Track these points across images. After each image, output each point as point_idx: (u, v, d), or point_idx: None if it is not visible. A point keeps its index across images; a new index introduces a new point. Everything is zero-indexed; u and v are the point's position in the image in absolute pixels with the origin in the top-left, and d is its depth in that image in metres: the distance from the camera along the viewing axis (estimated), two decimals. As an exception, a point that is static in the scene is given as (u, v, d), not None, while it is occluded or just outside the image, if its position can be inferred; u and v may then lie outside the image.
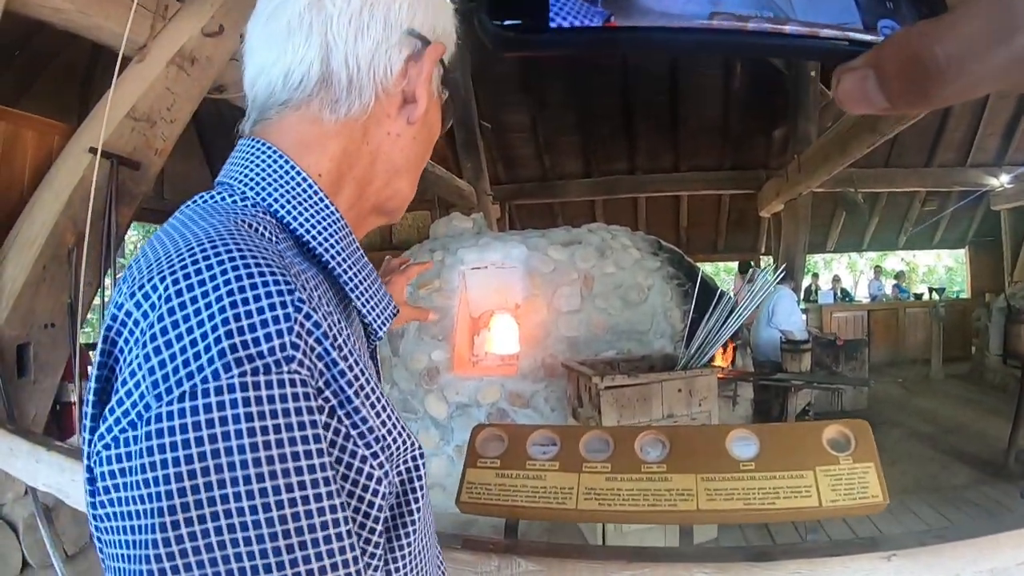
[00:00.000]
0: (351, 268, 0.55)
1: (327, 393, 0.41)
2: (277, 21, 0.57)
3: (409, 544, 0.48)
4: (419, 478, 0.49)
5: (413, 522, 0.48)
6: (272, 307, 0.39)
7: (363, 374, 0.44)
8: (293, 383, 0.39)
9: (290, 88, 0.57)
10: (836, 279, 11.93)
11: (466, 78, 7.20)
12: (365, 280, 0.56)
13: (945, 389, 7.44)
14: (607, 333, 4.54)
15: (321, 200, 0.55)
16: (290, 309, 0.40)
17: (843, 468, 1.41)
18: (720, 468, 1.44)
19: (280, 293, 0.40)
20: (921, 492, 4.19)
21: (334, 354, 0.41)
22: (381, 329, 0.58)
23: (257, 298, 0.39)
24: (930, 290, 10.16)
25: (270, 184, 0.54)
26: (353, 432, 0.42)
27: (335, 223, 0.55)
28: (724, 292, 4.18)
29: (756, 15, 0.28)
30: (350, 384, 0.42)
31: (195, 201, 0.54)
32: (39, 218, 2.96)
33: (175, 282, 0.40)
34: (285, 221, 0.53)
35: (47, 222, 2.92)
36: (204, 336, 0.38)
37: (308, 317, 0.41)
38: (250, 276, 0.40)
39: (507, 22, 0.27)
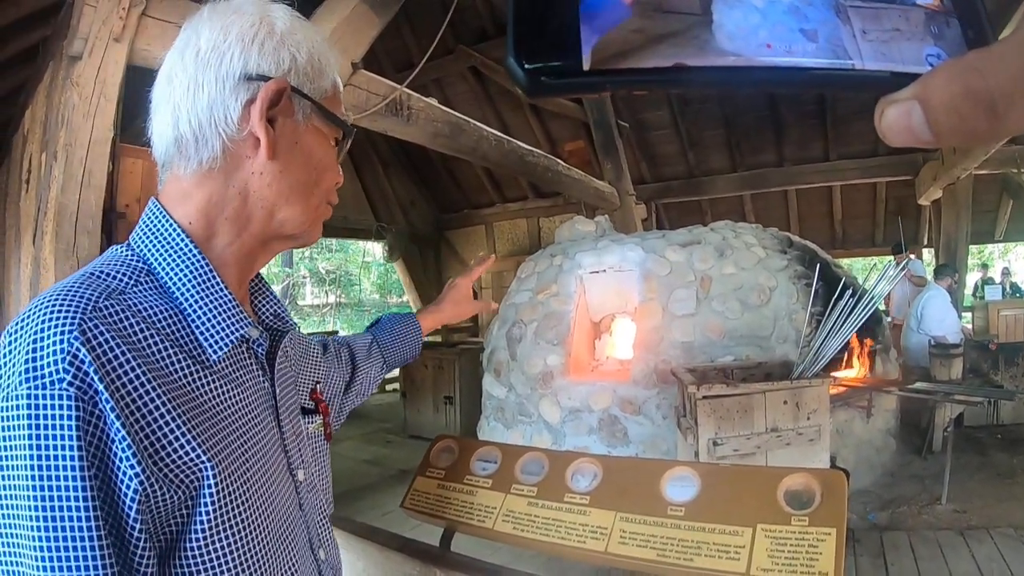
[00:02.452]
0: (198, 302, 0.65)
1: (96, 409, 0.53)
2: (153, 99, 0.70)
3: (198, 551, 0.58)
4: (210, 494, 0.59)
5: (202, 530, 0.58)
6: (54, 343, 0.53)
7: (138, 398, 0.56)
8: (63, 396, 0.52)
9: (161, 154, 0.69)
10: (1005, 272, 9.90)
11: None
12: (212, 311, 0.66)
13: None
14: (724, 338, 4.17)
15: (185, 245, 0.67)
16: (66, 346, 0.53)
17: (793, 530, 1.12)
18: (645, 509, 1.24)
19: (63, 334, 0.54)
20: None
21: (98, 384, 0.53)
22: (216, 353, 0.65)
23: (46, 338, 0.54)
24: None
25: (147, 235, 0.68)
26: (113, 446, 0.53)
27: (192, 264, 0.66)
28: (849, 284, 3.60)
29: (820, 64, 0.27)
30: (113, 408, 0.53)
31: (110, 249, 0.70)
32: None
33: (14, 327, 0.58)
34: (151, 266, 0.66)
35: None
36: (14, 363, 0.54)
37: (81, 352, 0.53)
38: (51, 323, 0.55)
39: (538, 66, 0.27)
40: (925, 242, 8.84)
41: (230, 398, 0.66)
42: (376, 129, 4.06)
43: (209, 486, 0.58)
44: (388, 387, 9.02)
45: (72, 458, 0.51)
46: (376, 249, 13.70)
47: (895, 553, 3.27)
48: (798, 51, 0.27)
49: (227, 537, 0.60)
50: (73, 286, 0.59)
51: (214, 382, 0.64)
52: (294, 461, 0.77)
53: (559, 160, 6.19)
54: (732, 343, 4.14)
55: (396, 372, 7.55)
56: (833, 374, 3.84)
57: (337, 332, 12.54)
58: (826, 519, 1.12)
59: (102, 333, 0.55)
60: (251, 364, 0.73)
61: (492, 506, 1.42)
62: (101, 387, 0.53)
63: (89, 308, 0.56)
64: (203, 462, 0.58)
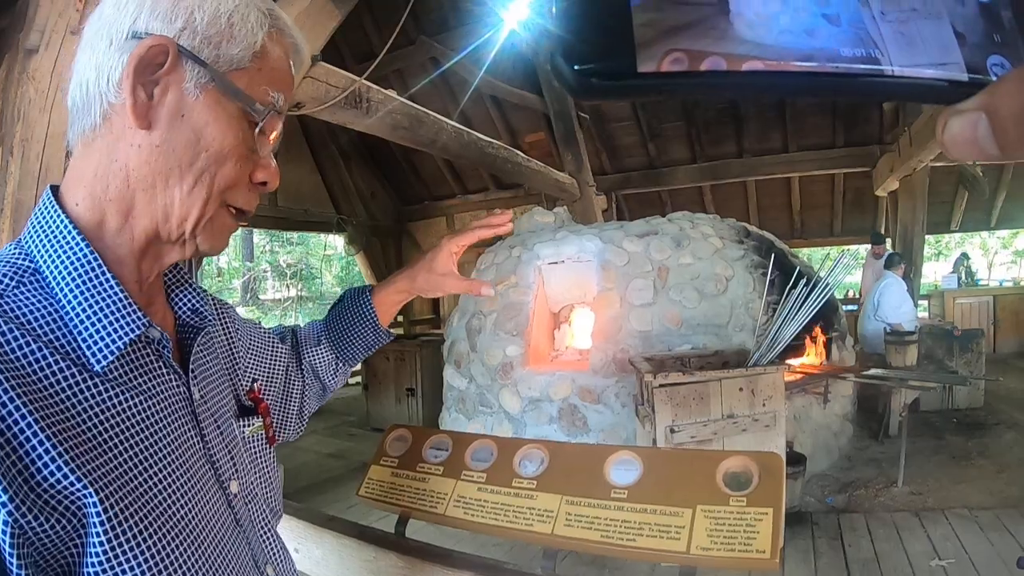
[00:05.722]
0: (81, 302, 0.57)
1: None
2: None
3: None
4: (100, 522, 0.51)
5: (99, 563, 0.52)
6: None
7: (6, 416, 0.49)
8: None
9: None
10: (963, 257, 10.33)
11: (560, 70, 7.05)
12: (95, 312, 0.57)
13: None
14: (682, 327, 4.25)
15: (69, 235, 0.59)
16: None
17: (731, 510, 1.16)
18: (590, 492, 1.27)
19: None
20: (1025, 507, 3.52)
21: None
22: (100, 362, 0.57)
23: None
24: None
25: (33, 228, 0.61)
26: None
27: (74, 257, 0.58)
28: (805, 272, 3.71)
29: (852, 54, 0.27)
30: None
31: (4, 247, 0.63)
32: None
33: None
34: (37, 264, 0.59)
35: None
36: None
37: None
38: None
39: (588, 66, 0.25)
40: (883, 231, 9.16)
41: (127, 408, 0.58)
42: (335, 121, 4.00)
43: (96, 514, 0.51)
44: (351, 380, 8.89)
45: None
46: (337, 242, 13.52)
47: (852, 535, 3.39)
48: (821, 35, 0.27)
49: (131, 571, 0.53)
50: None
51: (107, 390, 0.57)
52: (224, 472, 0.69)
53: (519, 152, 6.20)
54: (689, 332, 4.23)
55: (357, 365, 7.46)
56: (789, 361, 3.95)
57: (299, 326, 12.29)
58: (763, 499, 1.16)
59: None
60: (159, 367, 0.64)
61: (443, 492, 1.43)
62: None
63: None
64: (83, 489, 0.51)
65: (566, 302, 5.01)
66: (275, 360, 0.98)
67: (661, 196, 9.33)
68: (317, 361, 1.06)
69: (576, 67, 0.25)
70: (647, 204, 9.13)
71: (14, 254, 0.60)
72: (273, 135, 0.68)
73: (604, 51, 0.25)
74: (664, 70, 0.25)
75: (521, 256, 4.99)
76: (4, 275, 0.57)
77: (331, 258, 18.73)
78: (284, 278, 18.55)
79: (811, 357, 4.54)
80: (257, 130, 0.64)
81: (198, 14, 0.60)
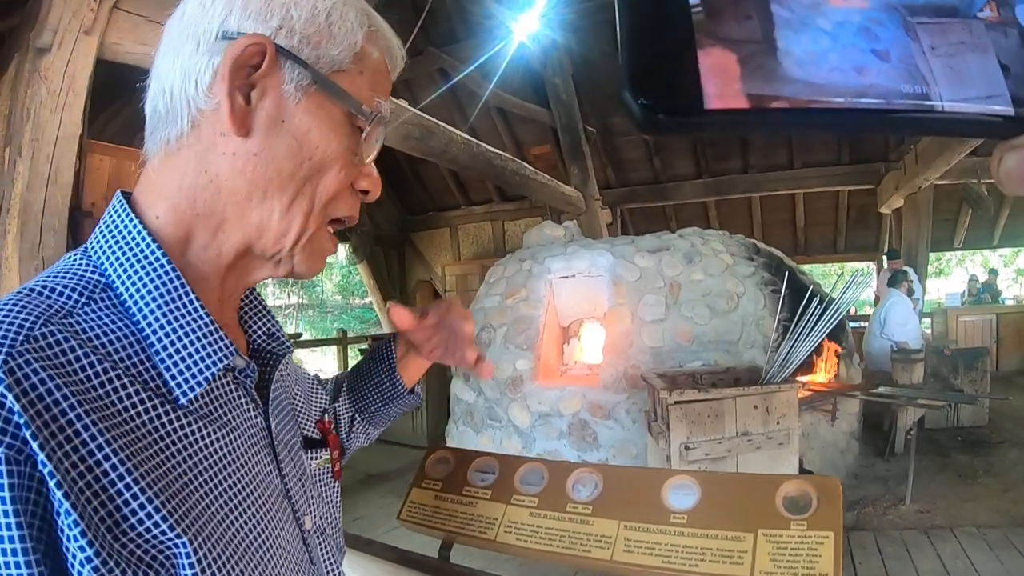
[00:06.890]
0: (163, 327, 0.52)
1: (36, 472, 0.41)
2: None
3: None
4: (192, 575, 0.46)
5: None
6: None
7: (87, 456, 0.43)
8: None
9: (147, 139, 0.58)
10: (973, 279, 10.43)
11: (568, 84, 7.17)
12: (180, 339, 0.52)
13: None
14: (693, 343, 4.26)
15: (148, 249, 0.53)
16: None
17: (793, 534, 1.17)
18: (648, 517, 1.27)
19: None
20: (1033, 526, 3.54)
21: (32, 442, 0.40)
22: (185, 395, 0.51)
23: None
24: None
25: (105, 238, 0.55)
26: (58, 521, 0.41)
27: (155, 275, 0.53)
28: (816, 292, 3.73)
29: (903, 89, 0.26)
30: (52, 473, 0.41)
31: (65, 256, 0.57)
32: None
33: None
34: (109, 278, 0.53)
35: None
36: None
37: (8, 399, 0.41)
38: None
39: (656, 102, 0.25)
40: (886, 248, 9.23)
41: (211, 444, 0.53)
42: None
43: (190, 565, 0.46)
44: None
45: (13, 542, 0.39)
46: (339, 250, 13.52)
47: (862, 552, 3.39)
48: (872, 72, 0.26)
49: None
50: (2, 308, 0.46)
51: (190, 424, 0.52)
52: (300, 507, 0.64)
53: (526, 164, 6.22)
54: (700, 348, 4.23)
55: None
56: (800, 378, 3.96)
57: (301, 335, 12.24)
58: (823, 523, 1.16)
59: (36, 372, 0.42)
60: (239, 397, 0.59)
61: (493, 517, 1.42)
62: (35, 445, 0.40)
63: (20, 339, 0.43)
64: (175, 538, 0.45)
65: (576, 316, 5.01)
66: (317, 405, 0.91)
67: (666, 211, 9.39)
68: (337, 412, 0.99)
69: (642, 102, 0.25)
70: (652, 218, 9.20)
71: (82, 265, 0.54)
72: (377, 142, 0.63)
73: (670, 87, 0.25)
74: (727, 107, 0.25)
75: (532, 269, 5.00)
76: (73, 289, 0.50)
77: (332, 266, 18.70)
78: (285, 285, 18.46)
79: (821, 374, 4.56)
80: (363, 136, 0.59)
81: (295, 11, 0.55)
